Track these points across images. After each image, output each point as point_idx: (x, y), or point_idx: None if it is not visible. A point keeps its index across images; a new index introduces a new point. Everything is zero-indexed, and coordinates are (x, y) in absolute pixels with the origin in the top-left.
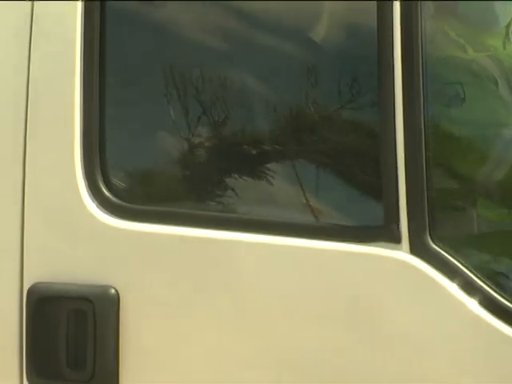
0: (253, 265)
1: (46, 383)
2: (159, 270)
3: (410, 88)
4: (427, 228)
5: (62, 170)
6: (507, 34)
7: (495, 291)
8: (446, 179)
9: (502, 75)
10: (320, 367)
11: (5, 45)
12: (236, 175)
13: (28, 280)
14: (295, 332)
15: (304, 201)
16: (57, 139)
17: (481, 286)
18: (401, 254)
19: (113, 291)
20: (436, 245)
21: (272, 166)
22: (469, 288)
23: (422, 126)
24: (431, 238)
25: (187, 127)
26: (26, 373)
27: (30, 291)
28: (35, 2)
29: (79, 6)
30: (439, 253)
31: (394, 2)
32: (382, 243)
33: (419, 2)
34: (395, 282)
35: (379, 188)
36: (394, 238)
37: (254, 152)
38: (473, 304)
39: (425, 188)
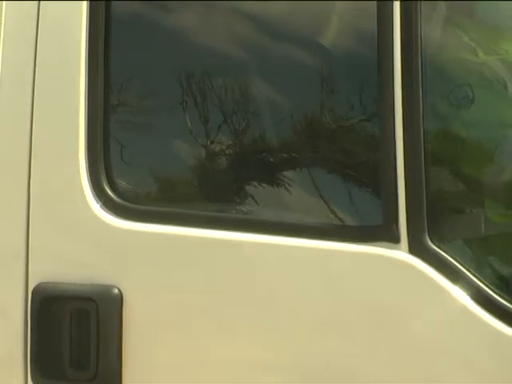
0: (257, 265)
1: (50, 383)
2: (162, 271)
3: (409, 90)
4: (426, 228)
5: (66, 171)
6: None
7: (493, 291)
8: (445, 180)
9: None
10: (316, 366)
11: (11, 47)
12: (237, 175)
13: (33, 280)
14: (295, 332)
15: (303, 201)
16: (61, 141)
17: (479, 286)
18: (400, 254)
19: (116, 291)
20: (435, 245)
21: (270, 165)
22: (467, 287)
23: (421, 127)
24: (430, 238)
25: (191, 128)
26: (31, 373)
27: (34, 291)
28: (41, 2)
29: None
30: (438, 253)
31: (394, 2)
32: (382, 243)
33: (419, 2)
34: (394, 281)
35: (379, 188)
36: (393, 238)
37: (253, 152)
38: (471, 303)
39: (424, 188)
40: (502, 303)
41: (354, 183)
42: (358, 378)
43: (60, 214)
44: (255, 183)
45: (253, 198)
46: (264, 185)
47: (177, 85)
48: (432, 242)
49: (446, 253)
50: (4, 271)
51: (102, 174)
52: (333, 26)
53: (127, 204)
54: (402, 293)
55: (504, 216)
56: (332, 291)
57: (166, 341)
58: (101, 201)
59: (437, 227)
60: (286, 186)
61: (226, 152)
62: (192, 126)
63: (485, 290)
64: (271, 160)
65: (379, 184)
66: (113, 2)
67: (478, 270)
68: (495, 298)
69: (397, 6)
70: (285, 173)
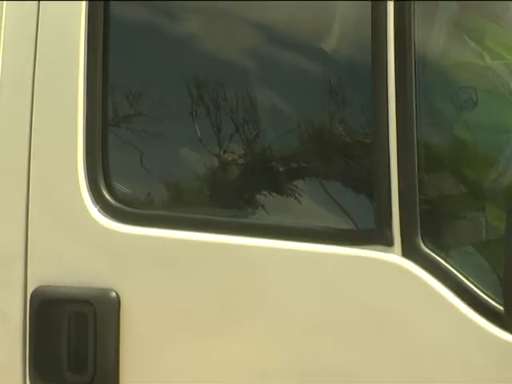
0: (252, 268)
1: None
2: (159, 274)
3: (402, 94)
4: (419, 232)
5: (64, 175)
6: None
7: (486, 294)
8: (438, 184)
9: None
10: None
11: (11, 48)
12: (233, 179)
13: (32, 284)
14: (289, 335)
15: (297, 205)
16: (60, 144)
17: (471, 289)
18: (393, 257)
19: (113, 294)
20: (428, 248)
21: (264, 169)
22: (459, 290)
23: (415, 133)
24: (423, 242)
25: (188, 131)
26: (30, 376)
27: (33, 294)
28: (41, 2)
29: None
30: (431, 256)
31: (388, 1)
32: (375, 246)
33: (412, 2)
34: (387, 284)
35: (372, 192)
36: (386, 241)
37: (245, 156)
38: (463, 306)
39: (417, 192)
40: (495, 306)
41: (347, 187)
42: (353, 379)
43: (58, 218)
44: (250, 187)
45: (248, 201)
46: (258, 188)
47: (175, 87)
48: (425, 245)
49: (439, 256)
50: (3, 274)
51: (100, 178)
52: (334, 34)
53: (125, 208)
54: (395, 295)
55: (497, 219)
56: (326, 294)
57: (164, 344)
58: (99, 204)
59: (430, 231)
60: (280, 189)
61: (222, 155)
62: (191, 130)
63: (477, 293)
64: (264, 164)
65: (373, 188)
66: (111, 2)
67: (470, 273)
68: (487, 301)
69: (390, 6)
70: (278, 177)
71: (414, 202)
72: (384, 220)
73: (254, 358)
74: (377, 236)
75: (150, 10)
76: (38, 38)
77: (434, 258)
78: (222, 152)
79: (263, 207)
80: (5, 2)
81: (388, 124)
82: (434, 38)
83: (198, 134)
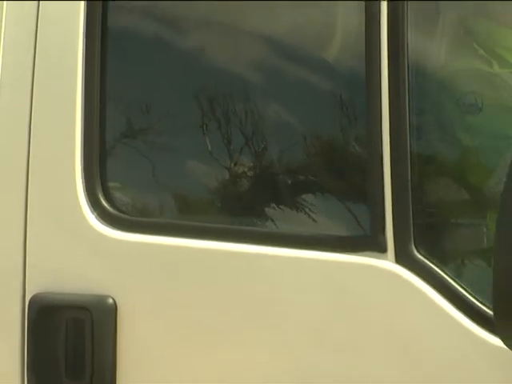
0: (249, 275)
1: None
2: (156, 281)
3: (396, 101)
4: (412, 238)
5: (62, 182)
6: None
7: (479, 301)
8: (431, 191)
9: None
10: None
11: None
12: (232, 186)
13: (30, 290)
14: (287, 341)
15: (292, 212)
16: (58, 151)
17: (463, 295)
18: (386, 264)
19: (110, 301)
20: (421, 254)
21: (261, 178)
22: (452, 296)
23: (408, 139)
24: (416, 248)
25: (186, 139)
26: (28, 382)
27: (31, 301)
28: (41, 2)
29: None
30: (424, 262)
31: (382, 2)
32: (368, 253)
33: (405, 3)
34: (380, 290)
35: (366, 199)
36: (379, 248)
37: (243, 164)
38: (455, 312)
39: (410, 199)
40: (485, 311)
41: (340, 194)
42: (350, 381)
43: (56, 225)
44: (245, 194)
45: (243, 208)
46: (253, 196)
47: (175, 91)
48: (418, 251)
49: (432, 262)
50: (1, 282)
51: (98, 185)
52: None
53: (122, 215)
54: (388, 301)
55: (489, 226)
56: (319, 300)
57: (161, 350)
58: (96, 211)
59: (423, 237)
60: (274, 197)
61: (218, 161)
62: (188, 137)
63: (469, 299)
64: (258, 171)
65: (366, 194)
66: (110, 2)
67: (463, 279)
68: (479, 306)
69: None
70: (273, 184)
71: (407, 209)
72: (377, 226)
73: (252, 368)
74: (370, 242)
75: (150, 13)
76: (37, 38)
77: (426, 264)
78: (218, 158)
79: (258, 214)
80: (5, 2)
81: (381, 130)
82: (437, 42)
83: (195, 141)
